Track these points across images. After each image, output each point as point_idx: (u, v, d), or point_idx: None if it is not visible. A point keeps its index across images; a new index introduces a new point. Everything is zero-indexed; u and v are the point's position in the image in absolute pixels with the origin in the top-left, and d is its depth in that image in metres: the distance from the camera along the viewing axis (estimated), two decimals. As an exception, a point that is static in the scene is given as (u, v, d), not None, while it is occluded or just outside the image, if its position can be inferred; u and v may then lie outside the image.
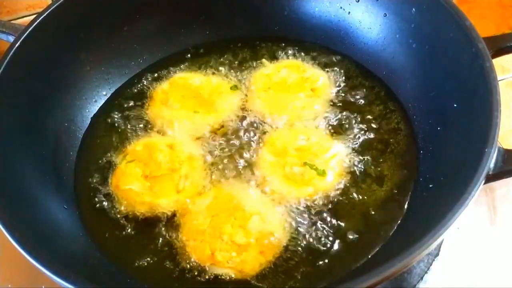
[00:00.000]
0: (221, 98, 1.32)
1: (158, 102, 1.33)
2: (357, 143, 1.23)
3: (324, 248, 1.07)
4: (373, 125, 1.26)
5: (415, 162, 1.19)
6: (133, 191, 1.15)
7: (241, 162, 1.21)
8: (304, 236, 1.09)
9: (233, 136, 1.26)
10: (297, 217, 1.11)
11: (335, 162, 1.18)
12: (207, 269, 1.04)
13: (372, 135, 1.24)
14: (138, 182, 1.16)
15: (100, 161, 1.25)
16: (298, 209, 1.12)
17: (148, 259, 1.08)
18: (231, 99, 1.33)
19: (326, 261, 1.05)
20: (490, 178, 0.91)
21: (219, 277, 1.03)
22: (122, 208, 1.15)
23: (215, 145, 1.24)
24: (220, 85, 1.36)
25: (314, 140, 1.21)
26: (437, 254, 1.18)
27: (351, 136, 1.24)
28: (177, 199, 1.14)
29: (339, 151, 1.20)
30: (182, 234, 1.09)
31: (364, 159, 1.19)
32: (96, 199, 1.18)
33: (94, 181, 1.21)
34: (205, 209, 1.10)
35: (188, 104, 1.31)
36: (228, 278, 1.04)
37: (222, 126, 1.28)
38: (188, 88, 1.35)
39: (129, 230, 1.13)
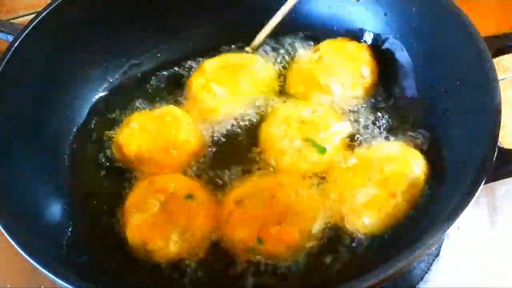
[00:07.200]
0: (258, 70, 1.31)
1: (199, 89, 1.27)
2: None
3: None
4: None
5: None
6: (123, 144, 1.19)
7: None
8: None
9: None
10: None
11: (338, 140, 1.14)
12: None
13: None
14: (134, 139, 1.18)
15: (99, 161, 1.24)
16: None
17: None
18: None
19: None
20: (490, 178, 0.91)
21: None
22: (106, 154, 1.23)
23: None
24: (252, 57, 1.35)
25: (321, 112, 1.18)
26: (438, 254, 1.18)
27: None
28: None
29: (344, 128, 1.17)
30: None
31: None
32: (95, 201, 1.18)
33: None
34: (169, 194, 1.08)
35: (233, 84, 1.28)
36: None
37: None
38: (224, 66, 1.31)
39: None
